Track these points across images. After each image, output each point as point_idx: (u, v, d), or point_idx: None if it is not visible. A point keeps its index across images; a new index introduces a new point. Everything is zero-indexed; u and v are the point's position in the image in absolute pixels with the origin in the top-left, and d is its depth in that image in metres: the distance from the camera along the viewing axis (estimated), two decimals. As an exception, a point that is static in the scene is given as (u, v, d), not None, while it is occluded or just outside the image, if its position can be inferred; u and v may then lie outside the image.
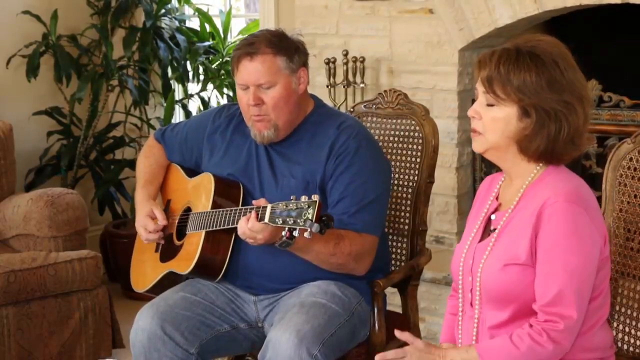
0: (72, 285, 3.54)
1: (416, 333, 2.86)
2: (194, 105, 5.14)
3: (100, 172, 4.80)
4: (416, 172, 2.96)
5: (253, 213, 2.39)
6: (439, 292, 3.80)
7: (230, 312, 2.70)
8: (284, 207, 2.28)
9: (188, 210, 2.80)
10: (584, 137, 2.10)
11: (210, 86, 4.99)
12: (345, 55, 4.13)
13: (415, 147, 2.97)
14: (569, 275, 1.99)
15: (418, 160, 2.96)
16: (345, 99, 4.18)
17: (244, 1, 5.72)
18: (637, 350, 2.37)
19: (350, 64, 4.13)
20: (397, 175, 2.98)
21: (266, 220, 2.33)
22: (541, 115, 2.03)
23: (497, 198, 2.20)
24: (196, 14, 5.12)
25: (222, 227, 2.57)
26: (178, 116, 5.10)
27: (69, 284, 3.53)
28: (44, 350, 3.50)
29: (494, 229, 2.14)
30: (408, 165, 2.98)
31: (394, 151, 3.01)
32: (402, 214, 2.97)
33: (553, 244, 2.00)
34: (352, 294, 2.63)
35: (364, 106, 3.12)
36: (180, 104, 4.99)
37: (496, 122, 2.07)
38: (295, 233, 2.26)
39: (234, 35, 5.14)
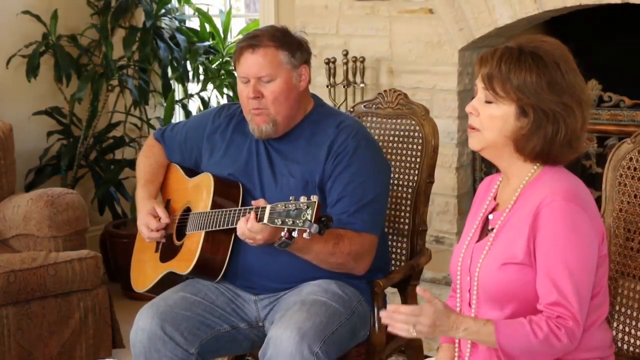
0: (72, 285, 3.54)
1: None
2: (194, 105, 5.13)
3: (100, 172, 4.80)
4: (416, 172, 2.96)
5: (252, 213, 2.38)
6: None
7: (230, 312, 2.70)
8: (283, 207, 2.28)
9: (188, 210, 2.80)
10: (581, 140, 2.10)
11: (210, 86, 4.99)
12: (345, 55, 4.13)
13: (415, 147, 2.97)
14: (570, 273, 1.99)
15: (418, 160, 2.96)
16: (345, 99, 4.18)
17: (244, 1, 5.72)
18: (637, 350, 2.37)
19: (350, 64, 4.12)
20: (397, 175, 2.98)
21: (265, 220, 2.33)
22: (539, 116, 2.03)
23: (495, 198, 2.20)
24: (196, 14, 5.12)
25: (221, 228, 2.57)
26: (178, 116, 5.10)
27: (69, 284, 3.53)
28: (44, 350, 3.50)
29: (492, 229, 2.14)
30: (408, 165, 2.98)
31: (394, 151, 3.01)
32: (402, 214, 2.97)
33: (552, 242, 2.00)
34: (353, 293, 2.63)
35: (364, 106, 3.12)
36: (180, 104, 4.99)
37: (493, 119, 2.07)
38: (295, 233, 2.26)
39: (234, 35, 5.13)
